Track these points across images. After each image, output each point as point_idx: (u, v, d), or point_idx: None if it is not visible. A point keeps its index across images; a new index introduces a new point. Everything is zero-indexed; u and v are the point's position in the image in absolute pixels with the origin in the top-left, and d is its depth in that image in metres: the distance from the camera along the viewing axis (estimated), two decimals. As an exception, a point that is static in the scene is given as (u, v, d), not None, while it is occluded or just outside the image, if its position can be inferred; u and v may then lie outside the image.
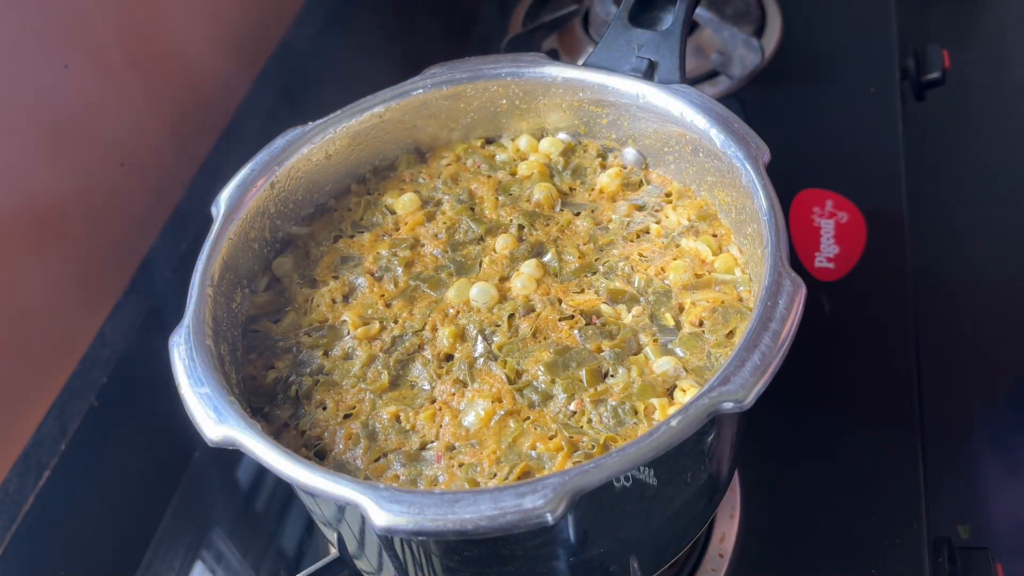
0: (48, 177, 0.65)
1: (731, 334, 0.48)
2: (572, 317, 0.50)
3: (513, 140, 0.60)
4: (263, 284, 0.53)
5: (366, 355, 0.49)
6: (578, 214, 0.55)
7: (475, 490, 0.37)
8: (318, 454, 0.47)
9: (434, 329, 0.50)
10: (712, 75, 0.88)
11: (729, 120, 0.50)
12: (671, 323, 0.48)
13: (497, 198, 0.56)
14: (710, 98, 0.51)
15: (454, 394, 0.47)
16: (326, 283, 0.53)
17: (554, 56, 0.62)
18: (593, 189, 0.57)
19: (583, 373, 0.47)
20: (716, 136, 0.49)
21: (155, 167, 0.77)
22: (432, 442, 0.46)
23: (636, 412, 0.45)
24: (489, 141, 0.60)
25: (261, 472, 0.66)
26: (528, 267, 0.52)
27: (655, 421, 0.45)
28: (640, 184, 0.57)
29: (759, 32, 0.92)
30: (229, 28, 0.87)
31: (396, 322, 0.51)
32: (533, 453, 0.44)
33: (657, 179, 0.56)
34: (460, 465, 0.45)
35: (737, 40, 0.86)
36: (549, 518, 0.35)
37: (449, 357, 0.49)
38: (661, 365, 0.46)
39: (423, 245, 0.54)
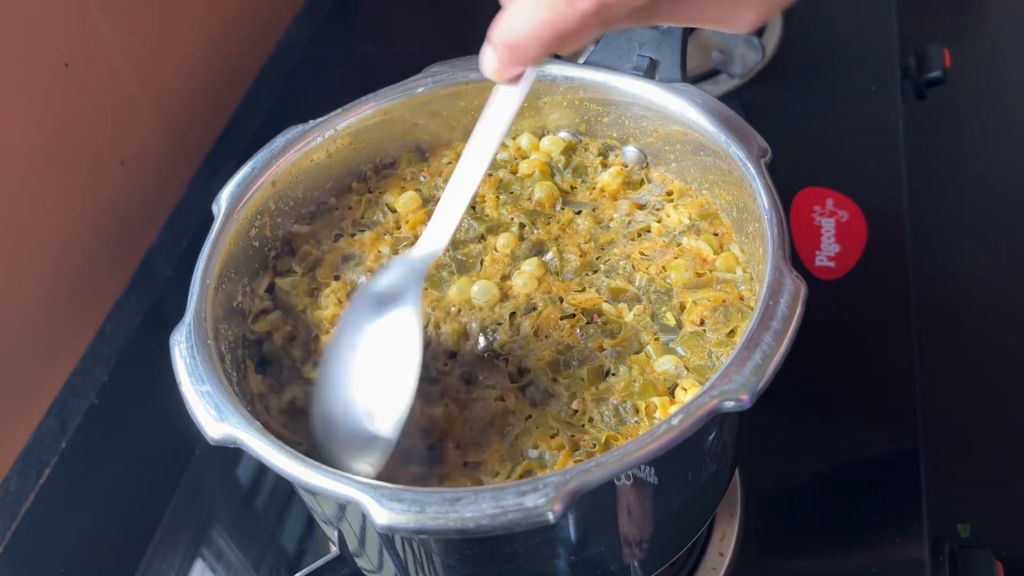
0: (48, 175, 0.65)
1: (732, 333, 0.47)
2: (573, 316, 0.50)
3: (514, 139, 0.60)
4: (263, 284, 0.53)
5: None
6: (579, 213, 0.55)
7: (476, 488, 0.37)
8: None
9: (436, 327, 0.50)
10: (713, 74, 0.88)
11: (730, 119, 0.50)
12: (672, 322, 0.48)
13: (498, 197, 0.56)
14: (711, 97, 0.51)
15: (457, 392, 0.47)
16: (328, 284, 0.53)
17: (554, 55, 0.62)
18: (594, 188, 0.57)
19: (584, 372, 0.47)
20: (717, 135, 0.49)
21: (155, 165, 0.77)
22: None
23: (638, 411, 0.45)
24: (490, 140, 0.60)
25: (262, 470, 0.66)
26: (529, 266, 0.52)
27: (656, 420, 0.45)
28: (641, 183, 0.57)
29: (760, 31, 0.92)
30: (230, 26, 0.87)
31: (397, 320, 0.51)
32: (535, 452, 0.44)
33: (658, 178, 0.56)
34: (464, 464, 0.45)
35: (738, 39, 0.86)
36: (550, 517, 0.35)
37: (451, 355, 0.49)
38: (662, 364, 0.46)
39: (424, 244, 0.54)
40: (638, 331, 0.48)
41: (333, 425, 0.44)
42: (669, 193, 0.55)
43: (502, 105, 0.43)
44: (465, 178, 0.43)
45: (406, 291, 0.44)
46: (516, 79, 0.42)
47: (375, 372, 0.43)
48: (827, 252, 0.73)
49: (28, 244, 0.64)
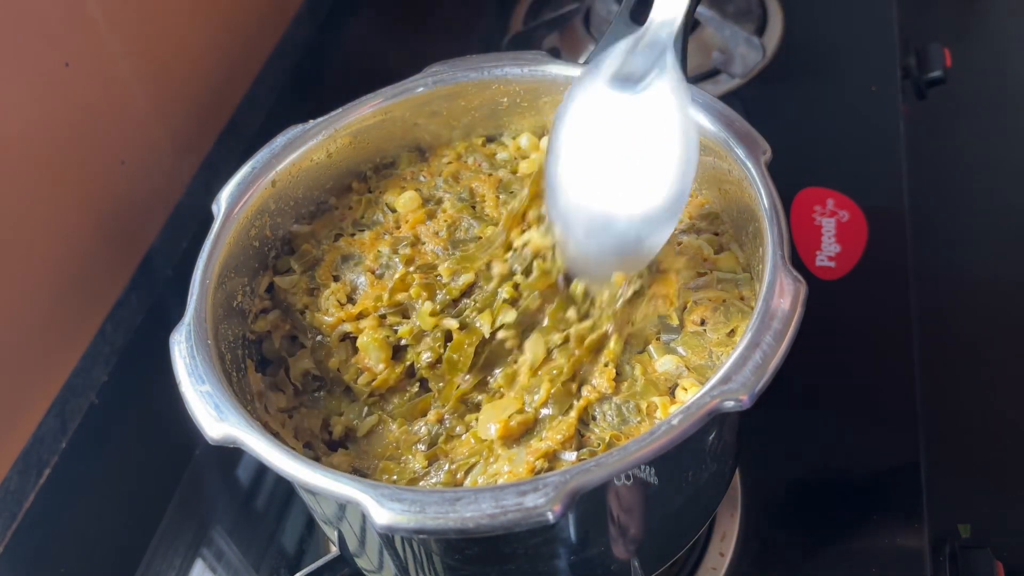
0: (48, 174, 0.65)
1: (732, 333, 0.47)
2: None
3: (514, 138, 0.60)
4: (263, 284, 0.53)
5: (367, 353, 0.49)
6: (579, 212, 0.55)
7: (476, 488, 0.37)
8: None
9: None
10: (713, 73, 0.88)
11: (730, 119, 0.50)
12: (674, 321, 0.48)
13: (498, 196, 0.56)
14: (711, 96, 0.51)
15: (455, 392, 0.47)
16: (327, 285, 0.53)
17: (555, 54, 0.61)
18: (594, 187, 0.56)
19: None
20: (717, 134, 0.49)
21: (155, 165, 0.77)
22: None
23: (640, 410, 0.45)
24: (490, 139, 0.60)
25: (262, 470, 0.66)
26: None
27: (657, 420, 0.45)
28: (641, 182, 0.56)
29: (760, 30, 0.92)
30: (230, 26, 0.87)
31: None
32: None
33: (658, 177, 0.56)
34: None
35: (738, 38, 0.86)
36: (550, 516, 0.35)
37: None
38: (663, 364, 0.46)
39: (424, 243, 0.54)
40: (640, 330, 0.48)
41: (580, 240, 0.40)
42: (669, 193, 0.55)
43: None
44: None
45: (654, 66, 0.38)
46: None
47: (633, 169, 0.37)
48: (827, 252, 0.73)
49: (28, 244, 0.64)
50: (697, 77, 0.88)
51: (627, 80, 0.38)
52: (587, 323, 0.48)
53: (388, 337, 0.49)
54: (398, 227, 0.56)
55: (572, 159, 0.39)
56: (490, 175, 0.58)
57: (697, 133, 0.37)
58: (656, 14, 0.40)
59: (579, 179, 0.39)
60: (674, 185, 0.37)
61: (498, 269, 0.50)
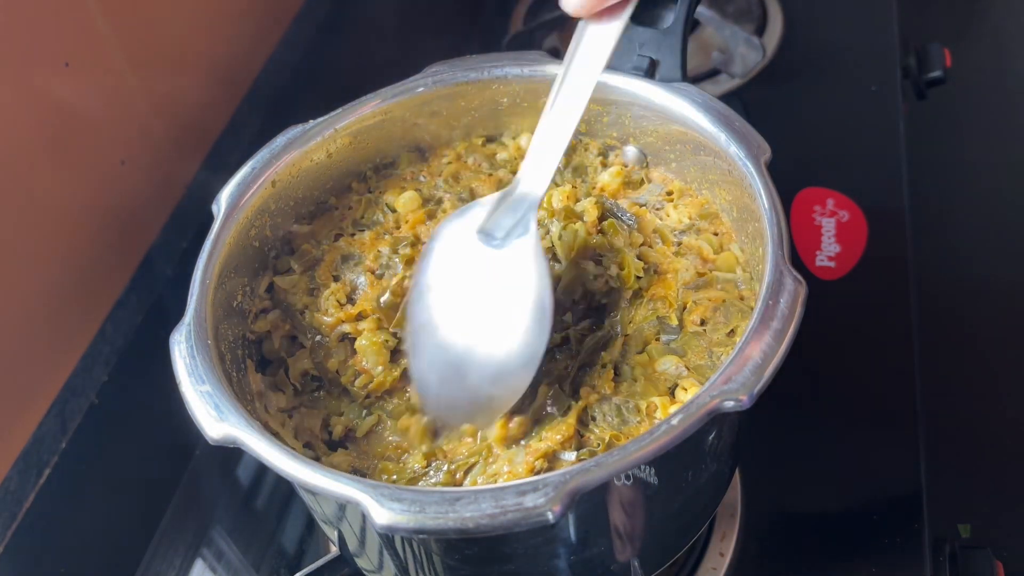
0: (48, 174, 0.65)
1: (732, 333, 0.47)
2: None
3: (514, 138, 0.60)
4: (264, 284, 0.53)
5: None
6: (579, 213, 0.55)
7: (476, 488, 0.37)
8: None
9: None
10: (713, 73, 0.88)
11: (730, 119, 0.50)
12: (674, 322, 0.48)
13: (498, 196, 0.56)
14: (711, 96, 0.51)
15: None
16: (327, 286, 0.53)
17: (555, 54, 0.61)
18: (594, 187, 0.57)
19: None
20: (717, 135, 0.49)
21: (156, 165, 0.77)
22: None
23: (639, 411, 0.45)
24: (490, 139, 0.60)
25: (262, 470, 0.66)
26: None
27: (656, 420, 0.45)
28: (641, 183, 0.56)
29: (760, 30, 0.92)
30: (230, 26, 0.87)
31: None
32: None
33: (658, 177, 0.56)
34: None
35: (738, 38, 0.86)
36: (550, 516, 0.35)
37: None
38: (663, 364, 0.46)
39: (424, 243, 0.54)
40: (640, 330, 0.48)
41: (434, 385, 0.40)
42: (669, 193, 0.55)
43: (595, 44, 0.40)
44: (565, 113, 0.40)
45: (519, 224, 0.38)
46: (604, 14, 0.40)
47: (489, 322, 0.38)
48: (827, 252, 0.73)
49: (28, 244, 0.64)
50: (697, 77, 0.88)
51: (490, 235, 0.40)
52: (584, 323, 0.48)
53: (386, 341, 0.49)
54: (398, 227, 0.56)
55: (432, 303, 0.40)
56: (490, 175, 0.58)
57: (551, 297, 0.38)
58: (523, 176, 0.42)
59: (437, 324, 0.40)
60: (525, 346, 0.38)
61: None
